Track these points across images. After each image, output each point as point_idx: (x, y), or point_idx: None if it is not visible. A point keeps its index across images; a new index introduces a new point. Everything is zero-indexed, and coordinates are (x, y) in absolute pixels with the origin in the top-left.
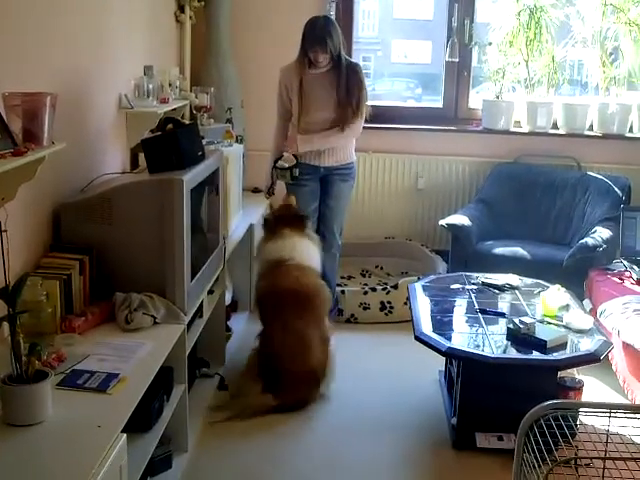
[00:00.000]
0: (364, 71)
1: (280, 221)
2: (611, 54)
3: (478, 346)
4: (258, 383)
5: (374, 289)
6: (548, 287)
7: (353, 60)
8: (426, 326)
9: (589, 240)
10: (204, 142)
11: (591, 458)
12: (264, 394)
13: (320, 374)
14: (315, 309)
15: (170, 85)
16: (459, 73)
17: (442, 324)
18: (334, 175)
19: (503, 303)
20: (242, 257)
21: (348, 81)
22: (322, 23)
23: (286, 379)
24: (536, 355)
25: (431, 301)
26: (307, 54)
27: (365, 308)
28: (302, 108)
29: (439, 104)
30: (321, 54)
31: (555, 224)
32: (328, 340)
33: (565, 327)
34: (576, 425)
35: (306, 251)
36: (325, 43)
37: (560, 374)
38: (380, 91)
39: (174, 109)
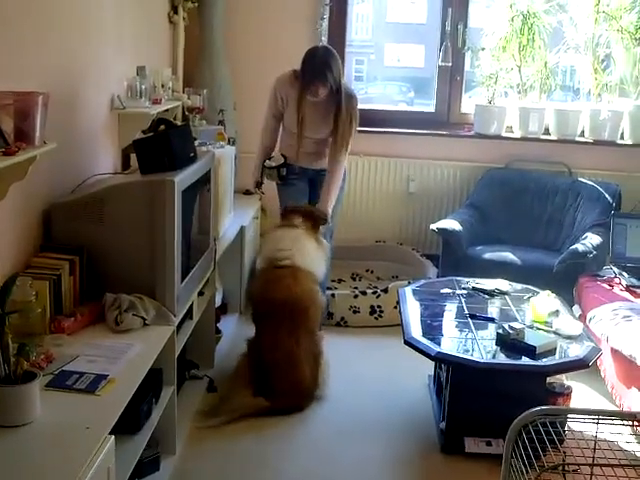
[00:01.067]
0: (357, 74)
1: (296, 211)
2: (603, 61)
3: (467, 351)
4: (248, 388)
5: (364, 293)
6: (538, 293)
7: (350, 90)
8: (416, 330)
9: (579, 246)
10: (196, 143)
11: (579, 464)
12: (255, 397)
13: (311, 388)
14: (307, 320)
15: (163, 86)
16: (452, 77)
17: (432, 329)
18: (323, 177)
19: (493, 308)
20: (233, 259)
21: (344, 115)
22: (321, 55)
23: (276, 389)
24: (525, 361)
25: (421, 305)
26: (307, 86)
27: (355, 312)
28: (299, 128)
29: (431, 108)
30: (321, 88)
31: (546, 230)
32: (319, 353)
33: (554, 333)
34: (564, 431)
35: (307, 250)
36: (326, 78)
37: (549, 380)
38: (372, 94)
39: (166, 110)
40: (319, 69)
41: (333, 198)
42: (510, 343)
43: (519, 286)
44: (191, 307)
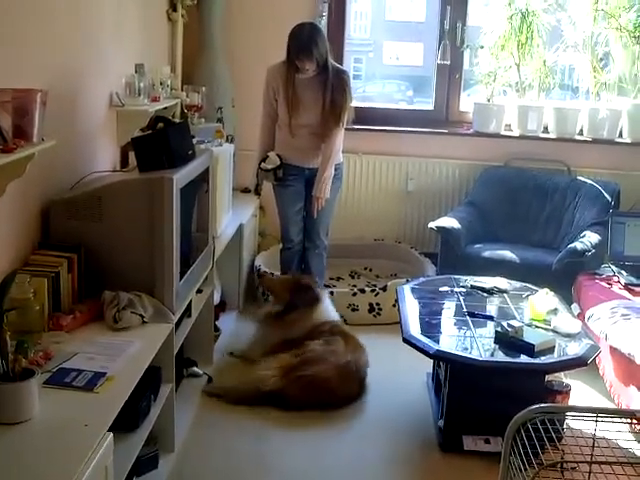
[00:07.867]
0: (355, 73)
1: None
2: (602, 59)
3: (466, 349)
4: None
5: (363, 291)
6: (536, 291)
7: (340, 67)
8: (414, 328)
9: (578, 244)
10: (194, 141)
11: (577, 462)
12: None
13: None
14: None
15: (161, 84)
16: (450, 76)
17: (430, 326)
18: None
19: (491, 306)
20: (231, 257)
21: (333, 88)
22: (307, 31)
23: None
24: (524, 359)
25: (419, 303)
26: (294, 62)
27: (354, 309)
28: (292, 111)
29: (430, 106)
30: (308, 63)
31: (544, 228)
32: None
33: (553, 331)
34: (563, 429)
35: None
36: (311, 52)
37: (548, 378)
38: (371, 93)
39: (165, 108)
40: (305, 44)
41: (328, 182)
42: (509, 341)
43: (518, 284)
44: (190, 305)
